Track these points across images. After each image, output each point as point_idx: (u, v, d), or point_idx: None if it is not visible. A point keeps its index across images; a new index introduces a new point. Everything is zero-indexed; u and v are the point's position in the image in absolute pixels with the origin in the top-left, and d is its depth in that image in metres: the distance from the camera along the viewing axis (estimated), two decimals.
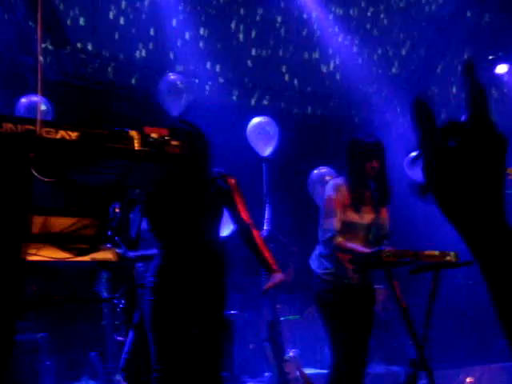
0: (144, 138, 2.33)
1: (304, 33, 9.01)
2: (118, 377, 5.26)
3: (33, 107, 6.09)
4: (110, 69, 8.01)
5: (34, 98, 6.18)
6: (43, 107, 5.84)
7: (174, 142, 2.39)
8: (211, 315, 3.95)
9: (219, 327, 4.00)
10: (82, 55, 7.75)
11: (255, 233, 4.25)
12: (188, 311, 3.88)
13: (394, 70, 9.69)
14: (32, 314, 5.48)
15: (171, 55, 8.19)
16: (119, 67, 8.05)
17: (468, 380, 7.16)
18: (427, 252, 4.28)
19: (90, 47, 7.81)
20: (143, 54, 8.09)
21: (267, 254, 4.21)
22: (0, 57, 7.16)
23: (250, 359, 6.81)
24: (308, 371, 6.26)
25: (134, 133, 2.32)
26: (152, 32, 8.18)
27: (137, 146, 2.30)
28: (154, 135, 2.36)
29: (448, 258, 4.34)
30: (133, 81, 8.04)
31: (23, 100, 6.27)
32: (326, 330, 4.62)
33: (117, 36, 7.93)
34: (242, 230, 4.21)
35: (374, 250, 4.36)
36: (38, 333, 5.59)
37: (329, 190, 4.61)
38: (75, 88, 7.65)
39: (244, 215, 4.18)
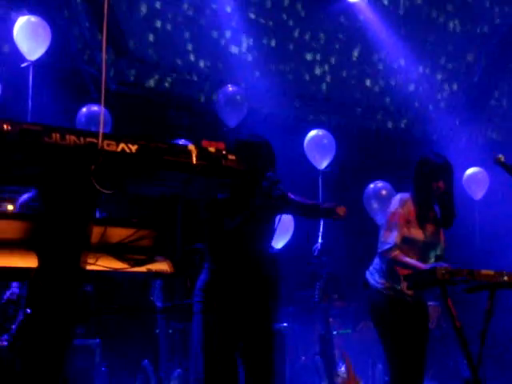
0: (201, 152, 2.36)
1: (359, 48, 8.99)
2: None
3: (93, 117, 6.21)
4: (169, 79, 8.11)
5: (95, 108, 6.30)
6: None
7: (231, 157, 2.42)
8: (260, 331, 3.95)
9: (268, 342, 3.99)
10: (142, 65, 7.87)
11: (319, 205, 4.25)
12: (236, 327, 3.88)
13: (454, 85, 9.57)
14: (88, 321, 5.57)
15: (229, 66, 8.23)
16: (178, 78, 8.14)
17: None
18: (483, 271, 4.22)
19: (149, 57, 7.91)
20: (201, 64, 8.17)
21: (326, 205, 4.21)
22: (63, 66, 7.32)
23: (301, 373, 6.79)
24: None
25: (191, 147, 2.35)
26: (211, 42, 8.25)
27: (194, 159, 2.33)
28: (211, 149, 2.39)
29: (505, 278, 4.27)
30: (191, 92, 8.12)
31: (84, 110, 6.40)
32: (382, 345, 4.61)
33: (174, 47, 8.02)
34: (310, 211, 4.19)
35: (430, 266, 4.34)
36: (93, 339, 5.67)
37: (395, 204, 4.62)
38: (134, 98, 7.76)
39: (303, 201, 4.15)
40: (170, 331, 5.60)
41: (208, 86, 8.16)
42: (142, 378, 5.37)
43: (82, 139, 2.16)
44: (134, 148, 2.26)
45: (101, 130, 2.15)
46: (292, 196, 4.04)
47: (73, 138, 2.16)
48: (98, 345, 5.64)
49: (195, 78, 8.21)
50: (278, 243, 7.36)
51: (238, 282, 3.90)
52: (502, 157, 4.16)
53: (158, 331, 5.34)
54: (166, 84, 8.09)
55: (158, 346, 5.32)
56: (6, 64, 6.70)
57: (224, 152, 2.42)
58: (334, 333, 6.45)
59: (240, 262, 3.92)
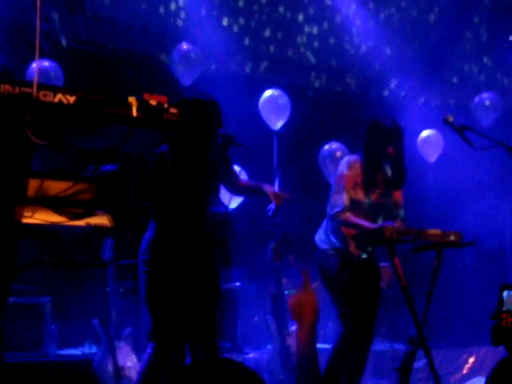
0: (142, 105, 2.32)
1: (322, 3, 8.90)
2: (121, 343, 5.31)
3: (44, 72, 6.08)
4: (124, 37, 7.97)
5: (46, 64, 6.16)
6: (52, 74, 5.83)
7: (173, 110, 2.38)
8: (204, 289, 3.96)
9: (211, 299, 3.99)
10: (96, 22, 7.71)
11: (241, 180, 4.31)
12: (181, 282, 3.88)
13: (412, 48, 9.56)
14: (36, 279, 5.52)
15: (183, 24, 8.09)
16: (134, 36, 8.00)
17: (471, 360, 7.17)
18: (430, 231, 4.27)
19: (104, 14, 7.75)
20: (157, 22, 8.03)
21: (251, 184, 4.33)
22: (14, 24, 7.14)
23: (253, 331, 6.84)
24: None
25: (132, 99, 2.31)
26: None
27: (135, 112, 2.29)
28: (152, 102, 2.36)
29: (451, 237, 4.33)
30: (145, 49, 7.99)
31: (34, 65, 6.26)
32: (334, 305, 4.66)
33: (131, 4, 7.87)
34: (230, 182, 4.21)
35: (378, 225, 4.38)
36: (43, 297, 5.63)
37: (342, 167, 4.63)
38: (88, 55, 7.61)
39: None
40: (121, 290, 5.58)
41: (164, 44, 8.03)
42: (92, 336, 5.36)
43: (16, 88, 2.11)
44: (71, 99, 2.21)
45: (35, 80, 2.09)
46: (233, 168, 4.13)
47: (7, 87, 2.10)
48: (48, 302, 5.61)
49: (151, 36, 8.08)
50: (232, 203, 7.35)
51: (183, 240, 3.89)
52: (450, 117, 4.18)
53: (108, 290, 5.31)
54: (122, 42, 7.95)
55: (108, 305, 5.30)
56: None
57: (166, 105, 2.39)
58: (286, 292, 6.49)
59: (185, 220, 3.91)
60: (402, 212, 4.75)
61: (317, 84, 9.05)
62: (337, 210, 4.53)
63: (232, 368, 2.46)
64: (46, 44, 7.03)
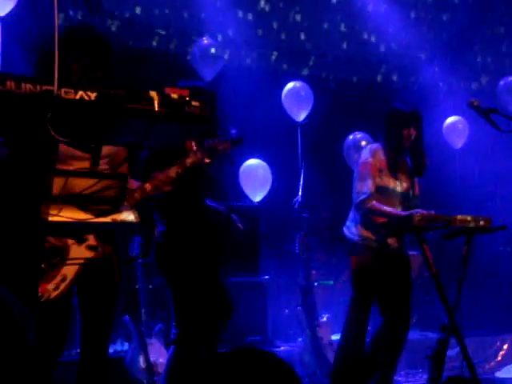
0: (164, 99, 2.31)
1: None
2: (152, 339, 5.33)
3: None
4: (147, 34, 7.98)
5: None
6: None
7: (195, 103, 2.37)
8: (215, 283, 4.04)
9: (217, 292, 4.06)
10: (114, 21, 7.72)
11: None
12: (200, 280, 3.91)
13: (435, 35, 9.46)
14: None
15: (203, 19, 8.07)
16: (153, 32, 8.01)
17: (505, 347, 7.10)
18: (459, 217, 4.23)
19: (122, 14, 7.77)
20: (177, 18, 8.02)
21: None
22: (36, 25, 7.17)
23: (283, 324, 6.83)
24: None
25: (153, 93, 2.30)
26: None
27: (156, 106, 2.28)
28: (174, 96, 2.34)
29: (481, 222, 4.28)
30: (166, 46, 7.99)
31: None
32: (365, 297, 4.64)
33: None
34: None
35: (407, 213, 4.35)
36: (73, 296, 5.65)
37: (365, 155, 4.64)
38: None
39: None
40: (151, 287, 5.59)
41: (184, 39, 8.02)
42: (123, 334, 5.38)
43: (38, 87, 2.10)
44: (93, 95, 2.20)
45: (56, 78, 2.09)
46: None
47: (28, 85, 2.10)
48: (76, 302, 5.62)
49: (171, 33, 8.08)
50: (256, 196, 7.34)
51: (193, 236, 3.91)
52: (475, 101, 4.13)
53: (137, 286, 5.33)
54: (142, 39, 7.97)
55: (138, 302, 5.32)
56: None
57: (187, 98, 2.37)
58: (316, 284, 6.47)
59: (193, 216, 3.92)
60: (419, 202, 4.73)
61: (339, 75, 8.99)
62: (362, 197, 4.51)
63: (269, 361, 2.46)
64: None
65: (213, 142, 3.62)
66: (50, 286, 2.98)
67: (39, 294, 2.96)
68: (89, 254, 3.06)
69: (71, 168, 2.75)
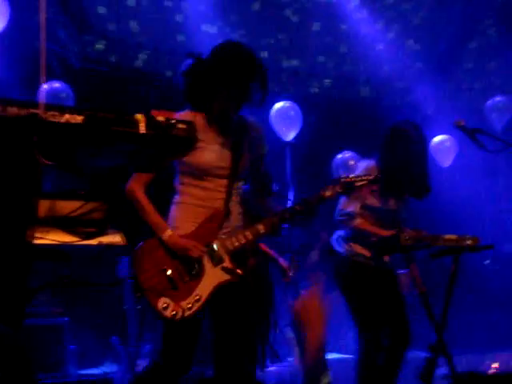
0: (150, 121, 2.32)
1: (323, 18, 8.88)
2: (141, 360, 5.30)
3: (55, 93, 6.10)
4: (135, 55, 8.01)
5: (56, 85, 6.19)
6: (63, 94, 5.86)
7: (181, 125, 2.38)
8: None
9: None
10: (102, 41, 7.74)
11: None
12: None
13: (422, 54, 9.52)
14: (54, 300, 5.53)
15: (189, 40, 8.11)
16: (144, 53, 8.04)
17: (494, 366, 7.09)
18: (446, 236, 4.24)
19: (111, 33, 7.79)
20: (165, 40, 8.06)
21: None
22: (26, 45, 7.18)
23: (273, 344, 6.80)
24: (332, 356, 6.24)
25: (139, 116, 2.31)
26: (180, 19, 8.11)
27: (142, 129, 2.29)
28: (160, 118, 2.35)
29: (468, 241, 4.29)
30: (154, 67, 8.02)
31: (45, 86, 6.29)
32: (351, 310, 4.62)
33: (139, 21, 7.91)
34: None
35: (391, 233, 4.34)
36: (61, 317, 5.63)
37: (358, 172, 4.57)
38: (98, 74, 7.64)
39: None
40: (139, 307, 5.57)
41: (174, 60, 8.05)
42: (112, 355, 5.36)
43: (23, 110, 2.11)
44: (79, 118, 2.21)
45: (41, 101, 2.10)
46: None
47: (14, 109, 2.11)
48: (67, 323, 5.61)
49: (160, 54, 8.11)
50: None
51: None
52: (461, 121, 4.14)
53: (125, 307, 5.31)
54: (133, 60, 8.00)
55: (126, 322, 5.30)
56: None
57: (173, 121, 2.38)
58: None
59: None
60: (406, 214, 4.71)
61: (328, 93, 9.04)
62: (343, 218, 4.50)
63: None
64: (57, 66, 7.06)
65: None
66: (185, 305, 3.00)
67: (173, 312, 2.99)
68: (225, 277, 3.12)
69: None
